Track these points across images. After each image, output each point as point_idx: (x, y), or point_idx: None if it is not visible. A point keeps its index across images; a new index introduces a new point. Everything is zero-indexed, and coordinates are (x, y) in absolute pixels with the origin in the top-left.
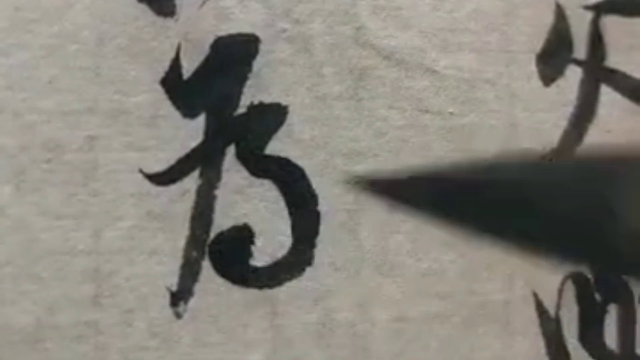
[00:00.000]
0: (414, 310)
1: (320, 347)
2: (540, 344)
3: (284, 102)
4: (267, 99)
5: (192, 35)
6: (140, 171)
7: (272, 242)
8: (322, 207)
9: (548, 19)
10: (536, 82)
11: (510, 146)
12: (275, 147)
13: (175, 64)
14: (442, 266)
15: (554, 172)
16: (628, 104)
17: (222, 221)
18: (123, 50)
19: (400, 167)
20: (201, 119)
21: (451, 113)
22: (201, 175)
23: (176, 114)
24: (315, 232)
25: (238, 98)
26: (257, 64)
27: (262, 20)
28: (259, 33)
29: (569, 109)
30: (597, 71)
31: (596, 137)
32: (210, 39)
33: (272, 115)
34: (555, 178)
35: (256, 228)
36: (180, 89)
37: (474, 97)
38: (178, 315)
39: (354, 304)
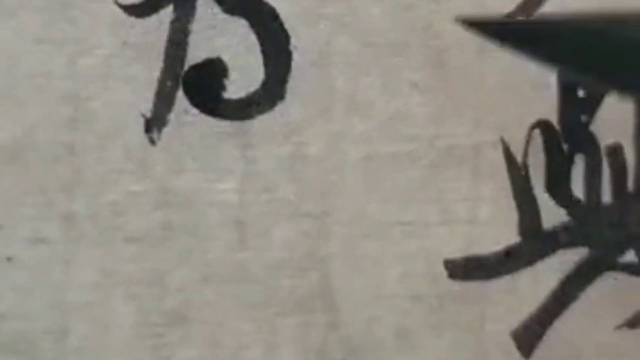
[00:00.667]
0: (383, 149)
1: (291, 179)
2: (508, 190)
3: None
4: None
5: None
6: (116, 2)
7: (245, 77)
8: (294, 45)
9: None
10: None
11: None
12: None
13: None
14: (411, 109)
15: None
16: None
17: (196, 54)
18: None
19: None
20: None
21: None
22: (175, 8)
23: None
24: (287, 69)
25: None
26: None
27: None
28: None
29: None
30: None
31: None
32: None
33: None
34: None
35: (230, 62)
36: None
37: None
38: (152, 142)
39: (324, 140)
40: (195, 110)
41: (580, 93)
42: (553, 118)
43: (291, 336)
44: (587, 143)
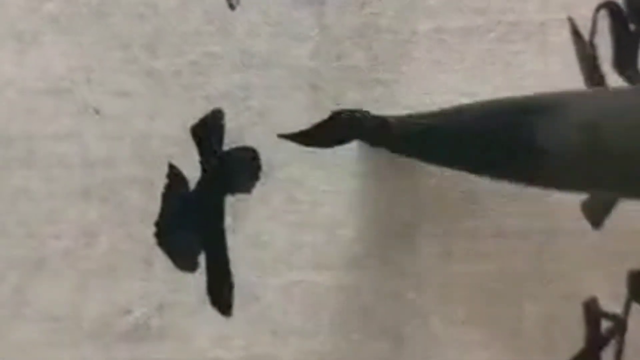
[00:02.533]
0: (452, 23)
1: (363, 47)
2: (575, 66)
3: None
4: None
5: None
6: None
7: None
8: None
9: None
10: None
11: None
12: None
13: None
14: None
15: None
16: None
17: None
18: None
19: None
20: None
21: None
22: None
23: None
24: None
25: None
26: None
27: None
28: None
29: None
30: None
31: None
32: None
33: None
34: None
35: None
36: None
37: None
38: (232, 7)
39: (395, 12)
40: None
41: None
42: None
43: None
44: None
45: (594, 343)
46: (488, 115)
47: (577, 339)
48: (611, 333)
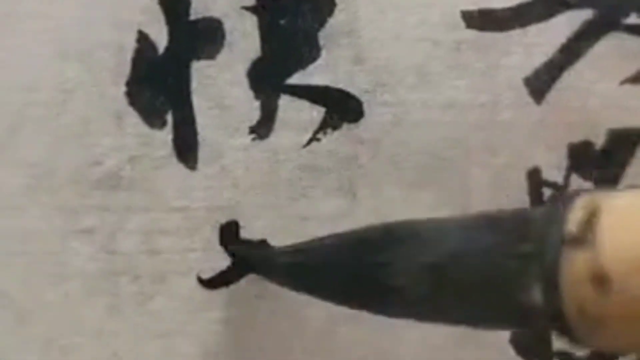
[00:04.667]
0: None
1: None
2: None
3: None
4: None
5: None
6: None
7: None
8: None
9: None
10: None
11: None
12: None
13: None
14: None
15: None
16: None
17: None
18: None
19: None
20: None
21: None
22: None
23: None
24: None
25: None
26: None
27: None
28: None
29: None
30: None
31: None
32: None
33: None
34: None
35: None
36: None
37: None
38: None
39: None
40: None
41: None
42: None
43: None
44: None
45: None
46: (345, 249)
47: (521, 205)
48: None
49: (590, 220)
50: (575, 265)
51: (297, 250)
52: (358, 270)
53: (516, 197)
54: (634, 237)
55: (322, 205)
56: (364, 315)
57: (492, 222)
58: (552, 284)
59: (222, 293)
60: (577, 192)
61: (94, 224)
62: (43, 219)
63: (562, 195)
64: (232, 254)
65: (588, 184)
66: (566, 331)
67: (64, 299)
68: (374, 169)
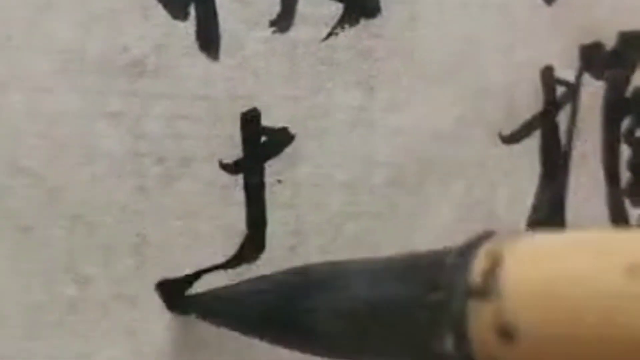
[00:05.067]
0: None
1: None
2: None
3: None
4: None
5: None
6: None
7: None
8: None
9: None
10: None
11: None
12: None
13: None
14: None
15: None
16: None
17: None
18: None
19: None
20: None
21: None
22: None
23: None
24: None
25: None
26: None
27: None
28: None
29: None
30: None
31: None
32: None
33: None
34: None
35: None
36: None
37: None
38: None
39: None
40: None
41: None
42: None
43: None
44: None
45: (551, 105)
46: (267, 295)
47: (535, 102)
48: (565, 98)
49: (493, 269)
50: (481, 316)
51: (219, 296)
52: (280, 315)
53: (531, 95)
54: (536, 286)
55: (340, 97)
56: None
57: (405, 270)
58: (460, 334)
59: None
60: (484, 237)
61: (120, 108)
62: (71, 101)
63: (470, 241)
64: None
65: (600, 83)
66: None
67: (91, 178)
68: (392, 63)
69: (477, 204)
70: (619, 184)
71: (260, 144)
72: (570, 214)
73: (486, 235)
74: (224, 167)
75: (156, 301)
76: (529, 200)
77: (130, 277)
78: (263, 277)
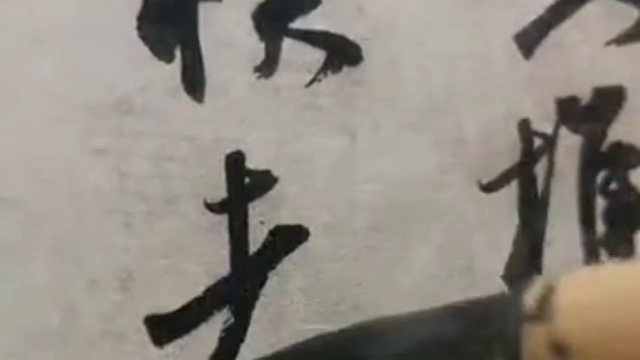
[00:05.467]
0: None
1: None
2: None
3: None
4: None
5: None
6: None
7: None
8: None
9: None
10: None
11: None
12: None
13: None
14: None
15: None
16: None
17: None
18: None
19: None
20: None
21: None
22: None
23: None
24: None
25: None
26: None
27: None
28: None
29: None
30: None
31: None
32: None
33: None
34: None
35: None
36: None
37: None
38: None
39: None
40: None
41: None
42: None
43: None
44: None
45: (528, 156)
46: (328, 347)
47: (513, 153)
48: (542, 150)
49: (547, 296)
50: (535, 339)
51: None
52: None
53: (509, 147)
54: (587, 308)
55: (323, 142)
56: None
57: (456, 312)
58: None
59: (226, 218)
60: (534, 279)
61: (107, 146)
62: (59, 138)
63: (520, 283)
64: None
65: (576, 136)
66: None
67: (77, 212)
68: (373, 110)
69: (456, 248)
70: (594, 234)
71: (244, 186)
72: (546, 262)
73: (535, 279)
74: (209, 207)
75: (143, 337)
76: (506, 246)
77: (118, 312)
78: (322, 335)
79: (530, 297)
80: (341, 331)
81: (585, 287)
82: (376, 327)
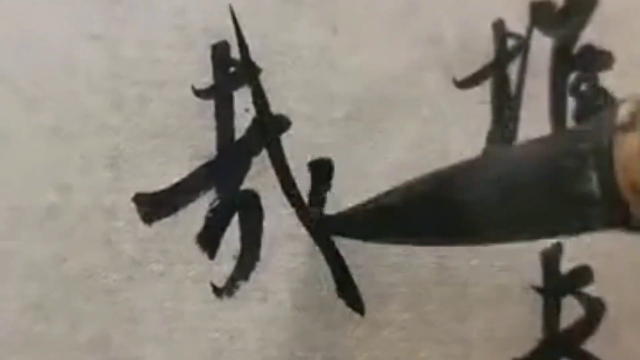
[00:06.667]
0: None
1: None
2: None
3: None
4: None
5: None
6: None
7: None
8: None
9: None
10: None
11: None
12: None
13: None
14: None
15: None
16: None
17: None
18: None
19: None
20: None
21: None
22: None
23: None
24: None
25: None
26: None
27: None
28: None
29: None
30: None
31: None
32: None
33: None
34: None
35: None
36: None
37: None
38: None
39: None
40: None
41: None
42: None
43: None
44: None
45: (502, 56)
46: (428, 184)
47: (487, 52)
48: (516, 50)
49: (638, 107)
50: (627, 147)
51: (381, 197)
52: (438, 199)
53: (482, 45)
54: None
55: (304, 36)
56: None
57: (550, 137)
58: (608, 168)
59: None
60: (625, 98)
61: (99, 32)
62: (54, 22)
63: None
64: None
65: (549, 39)
66: (623, 214)
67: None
68: (354, 6)
69: (431, 141)
70: None
71: (229, 74)
72: None
73: (626, 98)
74: (197, 93)
75: (132, 213)
76: (479, 141)
77: (108, 190)
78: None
79: (623, 110)
80: (435, 171)
81: None
82: (468, 162)
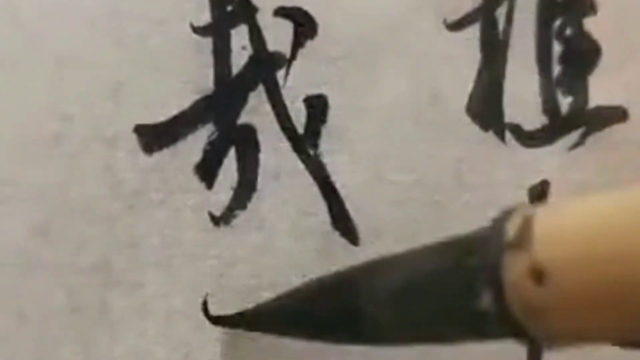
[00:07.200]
0: None
1: None
2: None
3: None
4: None
5: None
6: None
7: None
8: None
9: None
10: None
11: None
12: None
13: None
14: None
15: None
16: None
17: None
18: None
19: None
20: None
21: None
22: None
23: None
24: None
25: None
26: None
27: None
28: None
29: None
30: None
31: None
32: None
33: None
34: None
35: None
36: None
37: None
38: None
39: None
40: None
41: None
42: None
43: None
44: None
45: (490, 1)
46: (326, 288)
47: None
48: None
49: (526, 224)
50: (515, 266)
51: (280, 297)
52: (336, 303)
53: None
54: (564, 234)
55: None
56: None
57: (441, 247)
58: (497, 286)
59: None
60: (514, 208)
61: None
62: None
63: (501, 212)
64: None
65: None
66: (515, 330)
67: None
68: None
69: (423, 81)
70: (551, 76)
71: (226, 12)
72: (506, 99)
73: (514, 208)
74: (195, 29)
75: (133, 143)
76: (469, 82)
77: (110, 120)
78: (317, 279)
79: (511, 226)
80: (336, 273)
81: (562, 215)
82: (369, 266)
